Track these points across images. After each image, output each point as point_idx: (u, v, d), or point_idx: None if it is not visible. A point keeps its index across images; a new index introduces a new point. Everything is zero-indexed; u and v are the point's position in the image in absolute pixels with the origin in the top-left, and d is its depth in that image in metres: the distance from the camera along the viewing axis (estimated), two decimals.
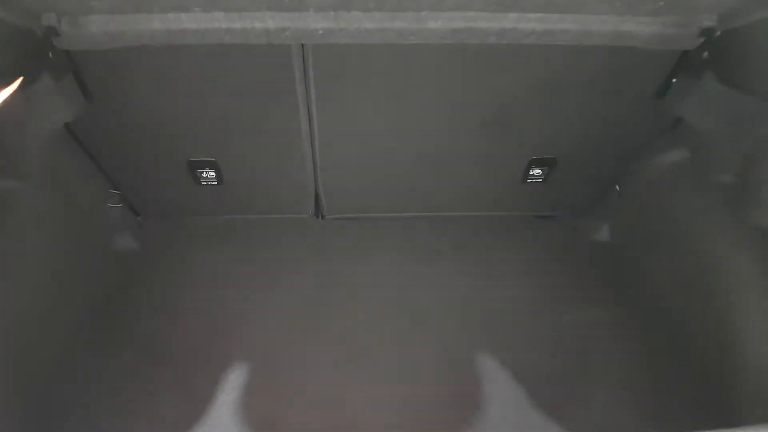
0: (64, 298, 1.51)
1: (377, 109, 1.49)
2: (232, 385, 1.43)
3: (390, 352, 1.53)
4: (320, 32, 1.17)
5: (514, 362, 1.50)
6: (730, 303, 1.34)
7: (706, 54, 1.31)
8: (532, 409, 1.38)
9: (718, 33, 1.22)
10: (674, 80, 1.42)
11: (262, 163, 1.67)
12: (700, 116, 1.41)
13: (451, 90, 1.44)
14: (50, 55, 1.25)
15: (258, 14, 1.16)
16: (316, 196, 1.82)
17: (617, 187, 1.83)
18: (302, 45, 1.30)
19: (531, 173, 1.74)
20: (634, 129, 1.62)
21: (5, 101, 1.16)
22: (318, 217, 1.93)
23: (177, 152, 1.63)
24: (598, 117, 1.56)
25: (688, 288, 1.50)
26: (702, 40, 1.23)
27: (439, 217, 1.95)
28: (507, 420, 1.36)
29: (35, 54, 1.23)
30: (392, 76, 1.39)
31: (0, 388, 1.20)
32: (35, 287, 1.35)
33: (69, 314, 1.53)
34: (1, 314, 1.22)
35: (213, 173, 1.70)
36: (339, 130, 1.55)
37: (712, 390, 1.39)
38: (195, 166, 1.66)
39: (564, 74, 1.41)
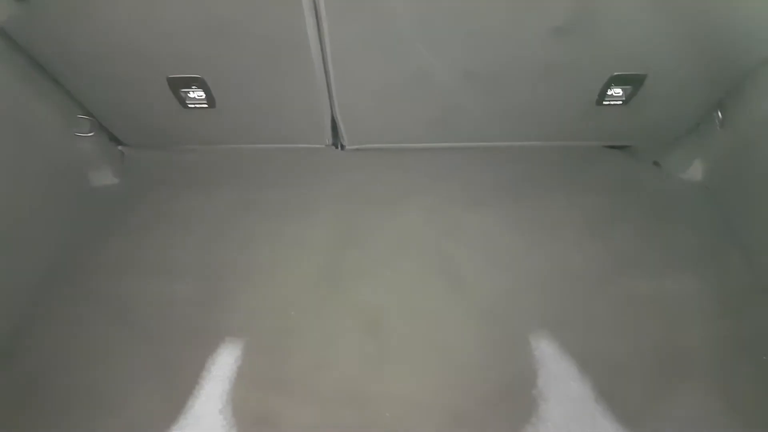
0: (27, 253, 1.26)
1: (406, 17, 1.13)
2: (223, 373, 1.15)
3: (419, 328, 1.23)
4: None
5: (577, 344, 1.18)
6: None
7: None
8: (601, 406, 1.08)
9: None
10: None
11: (262, 82, 1.34)
12: None
13: None
14: None
15: None
16: (333, 121, 1.48)
17: (718, 114, 1.41)
18: None
19: (610, 93, 1.37)
20: (749, 44, 1.24)
21: None
22: (336, 147, 1.58)
23: (153, 67, 1.31)
24: (704, 25, 1.19)
25: None
26: None
27: (486, 149, 1.58)
28: (568, 420, 1.06)
29: None
30: None
31: None
32: None
33: (33, 273, 1.29)
34: None
35: (202, 93, 1.38)
36: (356, 43, 1.20)
37: None
38: (177, 85, 1.35)
39: None
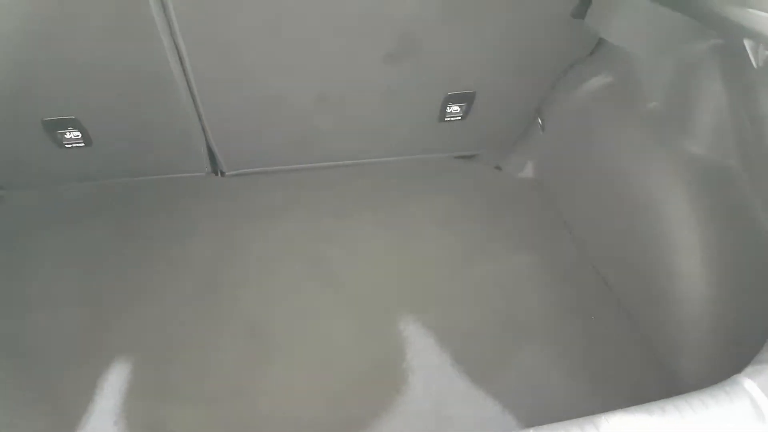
0: None
1: (256, 47, 1.26)
2: (113, 388, 1.21)
3: (299, 326, 1.35)
4: None
5: (438, 325, 1.36)
6: (664, 242, 1.24)
7: None
8: (457, 374, 1.26)
9: None
10: None
11: (136, 117, 1.41)
12: (623, 37, 1.26)
13: (342, 20, 1.23)
14: None
15: None
16: (210, 150, 1.58)
17: (539, 121, 1.69)
18: None
19: (449, 110, 1.57)
20: (554, 54, 1.48)
21: None
22: (216, 174, 1.69)
23: (26, 111, 1.35)
24: (516, 44, 1.40)
25: (619, 227, 1.41)
26: None
27: (350, 166, 1.75)
28: (430, 389, 1.23)
29: None
30: (266, 5, 1.16)
31: None
32: None
33: None
34: None
35: (78, 134, 1.43)
36: (217, 73, 1.31)
37: (648, 340, 1.32)
38: (53, 127, 1.39)
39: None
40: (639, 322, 1.36)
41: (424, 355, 1.29)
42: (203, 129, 1.48)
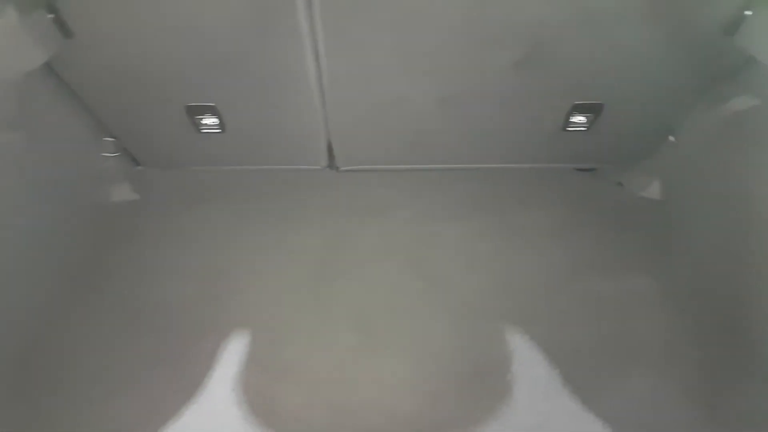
0: (50, 251, 1.40)
1: (392, 50, 1.29)
2: (230, 358, 1.30)
3: (402, 321, 1.37)
4: None
5: (543, 337, 1.32)
6: None
7: None
8: (563, 391, 1.22)
9: None
10: (748, 12, 1.18)
11: (268, 108, 1.50)
12: None
13: (477, 23, 1.22)
14: None
15: None
16: (329, 146, 1.64)
17: (671, 139, 1.59)
18: None
19: (573, 120, 1.52)
20: (696, 71, 1.39)
21: None
22: (331, 168, 1.75)
23: (174, 96, 1.47)
24: (654, 56, 1.32)
25: (748, 258, 1.30)
26: None
27: (464, 170, 1.75)
28: (534, 404, 1.20)
29: None
30: (409, 10, 1.19)
31: None
32: (15, 242, 1.24)
33: (54, 276, 1.43)
34: None
35: (215, 120, 1.53)
36: (349, 72, 1.36)
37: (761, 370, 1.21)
38: (194, 112, 1.51)
39: (614, 5, 1.18)
40: (758, 354, 1.25)
41: (530, 367, 1.27)
42: (326, 126, 1.54)
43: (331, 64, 1.32)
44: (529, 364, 1.27)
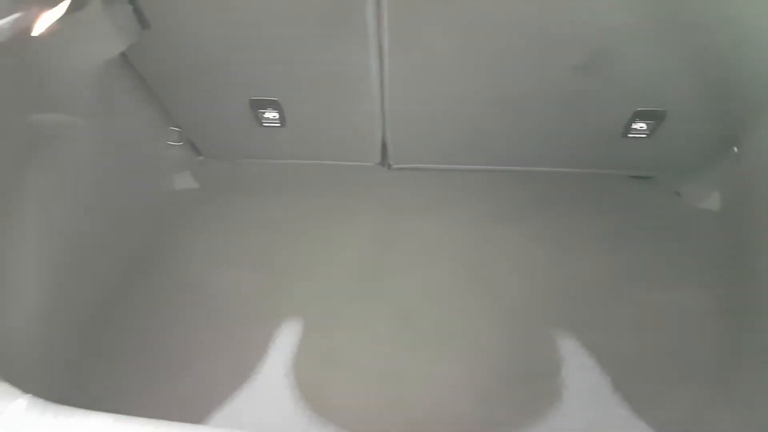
0: (115, 232, 1.47)
1: (458, 49, 1.31)
2: (285, 344, 1.33)
3: (451, 321, 1.38)
4: None
5: (595, 345, 1.31)
6: None
7: None
8: (616, 400, 1.21)
9: None
10: None
11: (327, 104, 1.54)
12: None
13: (542, 25, 1.23)
14: None
15: None
16: (383, 143, 1.67)
17: (735, 150, 1.55)
18: None
19: (634, 126, 1.50)
20: (765, 80, 1.33)
21: (52, 26, 1.06)
22: (384, 166, 1.78)
23: (239, 90, 1.52)
24: (722, 63, 1.29)
25: None
26: None
27: (519, 173, 1.74)
28: (582, 411, 1.19)
29: None
30: (477, 10, 1.20)
31: (42, 329, 1.17)
32: (84, 220, 1.31)
33: (120, 249, 1.50)
34: (51, 246, 1.19)
35: (276, 114, 1.58)
36: (412, 70, 1.38)
37: None
38: (257, 106, 1.56)
39: (683, 8, 1.16)
40: None
41: (581, 374, 1.25)
42: (383, 124, 1.57)
43: (393, 61, 1.34)
44: (579, 369, 1.26)
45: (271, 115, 1.58)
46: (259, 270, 1.52)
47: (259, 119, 1.59)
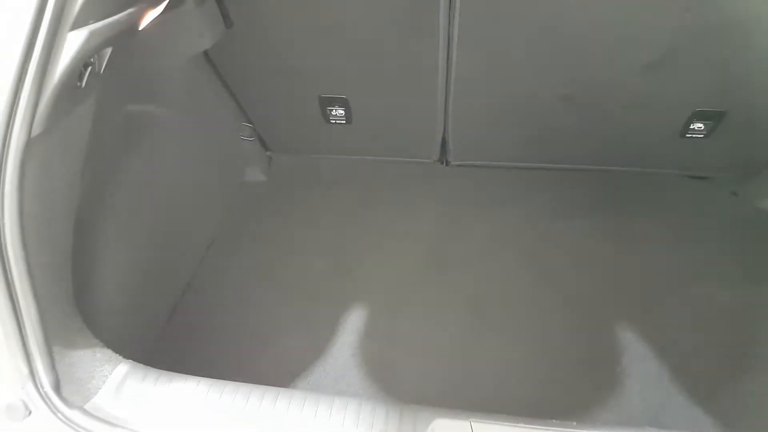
0: (196, 218, 1.57)
1: (524, 48, 1.36)
2: (353, 326, 1.41)
3: (515, 310, 1.44)
4: None
5: (656, 336, 1.35)
6: None
7: None
8: (676, 389, 1.24)
9: None
10: None
11: (393, 103, 1.61)
12: None
13: (613, 24, 1.27)
14: None
15: None
16: (443, 140, 1.73)
17: None
18: None
19: (692, 127, 1.54)
20: None
21: (151, 23, 1.15)
22: (442, 163, 1.84)
23: (310, 87, 1.60)
24: None
25: None
26: None
27: (578, 170, 1.78)
28: (646, 397, 1.23)
29: None
30: (546, 11, 1.25)
31: (136, 303, 1.27)
32: (170, 205, 1.41)
33: (199, 234, 1.60)
34: (142, 227, 1.29)
35: (342, 111, 1.66)
36: (478, 69, 1.44)
37: None
38: (326, 103, 1.63)
39: (748, 14, 1.19)
40: None
41: (642, 363, 1.30)
42: (445, 121, 1.63)
43: (460, 61, 1.40)
44: (639, 360, 1.30)
45: (338, 112, 1.66)
46: (327, 256, 1.61)
47: (327, 116, 1.67)
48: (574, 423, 0.78)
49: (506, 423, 0.77)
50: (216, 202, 1.70)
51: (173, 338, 1.39)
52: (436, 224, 1.68)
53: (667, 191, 1.73)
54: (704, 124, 1.52)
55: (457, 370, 1.31)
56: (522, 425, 0.77)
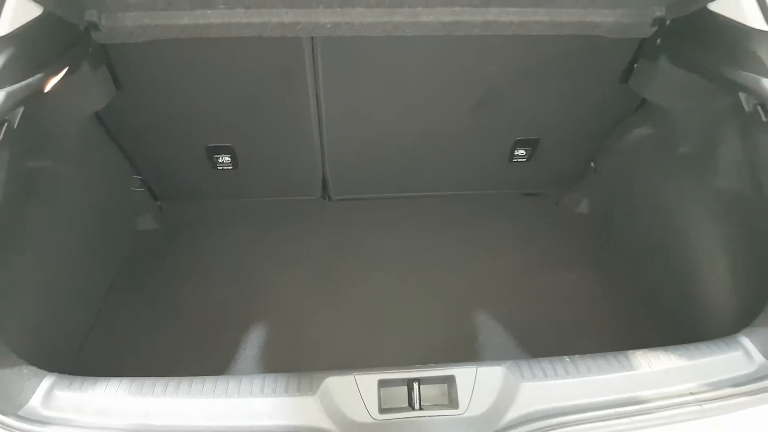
0: (93, 266, 1.67)
1: (379, 95, 1.65)
2: (255, 342, 1.60)
3: (400, 308, 1.72)
4: (328, 26, 1.34)
5: (507, 314, 1.70)
6: (695, 257, 1.53)
7: (659, 41, 1.48)
8: (521, 352, 1.57)
9: (668, 22, 1.39)
10: (636, 65, 1.60)
11: (274, 147, 1.83)
12: (660, 96, 1.59)
13: (445, 76, 1.61)
14: (89, 48, 1.39)
15: (274, 10, 1.32)
16: (324, 179, 1.98)
17: (592, 164, 2.02)
18: (312, 37, 1.46)
19: (516, 153, 1.92)
20: (606, 110, 1.81)
21: (54, 86, 1.30)
22: (325, 198, 2.09)
23: (197, 138, 1.78)
24: (574, 100, 1.74)
25: (658, 248, 1.70)
26: (655, 28, 1.41)
27: (435, 196, 2.14)
28: (495, 357, 1.54)
29: (77, 46, 1.35)
30: (392, 64, 1.56)
31: (32, 348, 1.34)
32: (66, 254, 1.52)
33: (96, 280, 1.71)
34: (34, 278, 1.38)
35: (228, 158, 1.84)
36: (344, 114, 1.71)
37: (678, 335, 1.58)
38: (212, 152, 1.82)
39: (542, 62, 1.58)
40: (675, 323, 1.63)
41: (495, 337, 1.64)
42: (323, 161, 1.88)
43: (328, 106, 1.66)
44: (494, 335, 1.65)
45: (224, 159, 1.85)
46: (230, 284, 1.79)
47: (214, 163, 1.85)
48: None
49: (383, 371, 1.00)
50: (112, 249, 1.80)
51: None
52: (325, 248, 1.93)
53: (506, 207, 2.13)
54: (525, 150, 1.91)
55: (357, 361, 1.55)
56: (394, 371, 1.00)
